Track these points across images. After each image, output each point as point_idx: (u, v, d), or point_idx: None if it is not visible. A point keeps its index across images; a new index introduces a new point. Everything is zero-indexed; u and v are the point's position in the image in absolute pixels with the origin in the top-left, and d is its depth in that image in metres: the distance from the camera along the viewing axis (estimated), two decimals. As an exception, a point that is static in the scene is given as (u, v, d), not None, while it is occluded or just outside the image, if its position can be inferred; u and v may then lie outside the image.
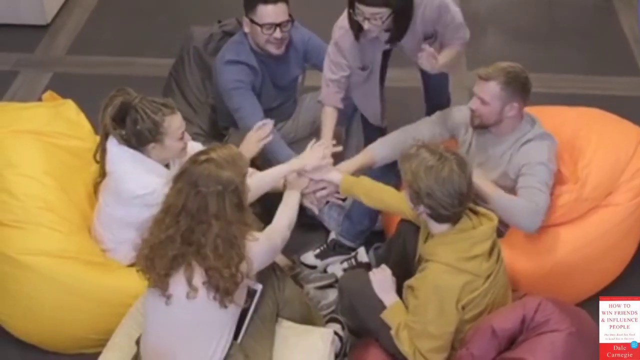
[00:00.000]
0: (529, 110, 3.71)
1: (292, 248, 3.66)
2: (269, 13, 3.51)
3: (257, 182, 3.11)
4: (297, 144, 3.96)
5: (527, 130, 3.27)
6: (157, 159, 3.16)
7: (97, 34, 5.41)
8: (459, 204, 2.75)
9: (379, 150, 3.48)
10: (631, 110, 4.40)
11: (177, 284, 2.68)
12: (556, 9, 5.63)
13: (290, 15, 3.58)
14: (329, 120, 3.60)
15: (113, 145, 3.13)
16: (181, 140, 3.16)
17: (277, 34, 3.56)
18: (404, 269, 3.11)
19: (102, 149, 3.20)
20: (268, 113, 3.80)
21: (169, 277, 2.68)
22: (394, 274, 3.08)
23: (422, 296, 2.79)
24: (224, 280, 2.65)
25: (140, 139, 3.09)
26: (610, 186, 3.38)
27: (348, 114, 3.88)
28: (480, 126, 3.30)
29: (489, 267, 2.79)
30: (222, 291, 2.66)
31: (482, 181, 3.18)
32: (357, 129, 3.96)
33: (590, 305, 3.41)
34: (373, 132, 3.79)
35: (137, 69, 5.05)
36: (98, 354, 3.04)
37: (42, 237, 3.20)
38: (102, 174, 3.27)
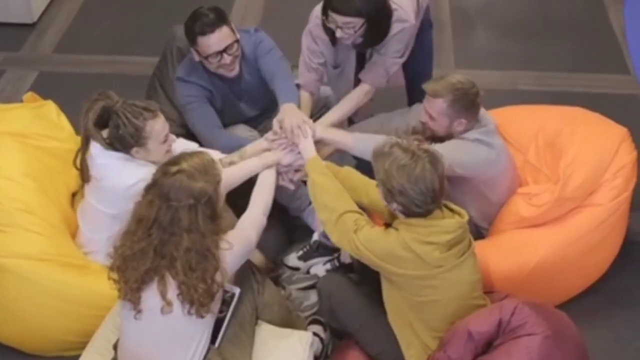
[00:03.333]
0: (512, 109, 3.73)
1: (274, 249, 3.67)
2: (210, 44, 3.38)
3: (227, 178, 3.06)
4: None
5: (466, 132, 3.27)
6: (146, 160, 3.13)
7: (84, 32, 5.39)
8: (432, 201, 2.76)
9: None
10: (619, 107, 4.40)
11: (151, 297, 2.65)
12: (546, 4, 5.60)
13: (234, 32, 3.44)
14: (305, 105, 3.57)
15: (97, 151, 3.12)
16: (165, 143, 3.12)
17: (225, 59, 3.44)
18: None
19: (82, 154, 3.18)
20: (250, 122, 3.77)
21: (141, 290, 2.65)
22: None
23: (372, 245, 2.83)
24: (198, 294, 2.62)
25: (123, 144, 3.08)
26: (592, 185, 3.35)
27: None
28: (431, 138, 3.32)
29: (441, 258, 2.77)
30: (198, 304, 2.63)
31: (334, 133, 3.33)
32: None
33: (574, 306, 3.42)
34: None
35: (125, 67, 5.04)
36: (78, 356, 3.04)
37: (22, 239, 3.18)
38: (84, 178, 3.25)
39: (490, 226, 3.46)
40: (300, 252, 3.69)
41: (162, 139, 3.11)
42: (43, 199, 3.32)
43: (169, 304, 2.63)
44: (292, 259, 3.69)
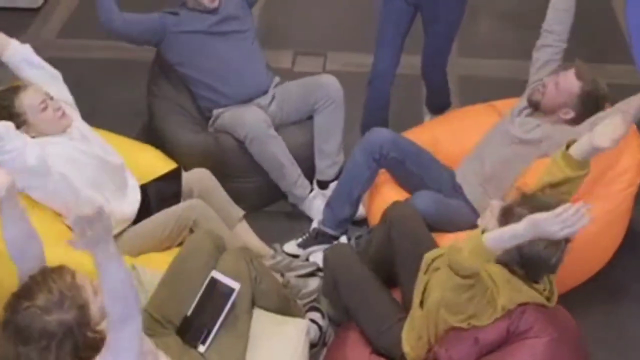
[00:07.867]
0: (513, 101, 3.72)
1: (274, 237, 3.67)
2: None
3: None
4: (283, 129, 3.94)
5: None
6: (45, 135, 3.08)
7: (88, 18, 5.34)
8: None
9: None
10: (622, 98, 4.36)
11: None
12: (551, -7, 5.57)
13: None
14: None
15: None
16: (46, 111, 3.07)
17: None
18: (386, 258, 3.11)
19: None
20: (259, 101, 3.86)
21: None
22: (374, 262, 3.11)
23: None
24: None
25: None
26: (596, 178, 3.32)
27: None
28: (536, 104, 3.32)
29: None
30: None
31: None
32: None
33: (574, 296, 3.41)
34: None
35: (128, 52, 4.99)
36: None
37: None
38: None
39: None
40: (300, 240, 3.70)
41: (39, 108, 3.06)
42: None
43: None
44: (291, 246, 3.70)
